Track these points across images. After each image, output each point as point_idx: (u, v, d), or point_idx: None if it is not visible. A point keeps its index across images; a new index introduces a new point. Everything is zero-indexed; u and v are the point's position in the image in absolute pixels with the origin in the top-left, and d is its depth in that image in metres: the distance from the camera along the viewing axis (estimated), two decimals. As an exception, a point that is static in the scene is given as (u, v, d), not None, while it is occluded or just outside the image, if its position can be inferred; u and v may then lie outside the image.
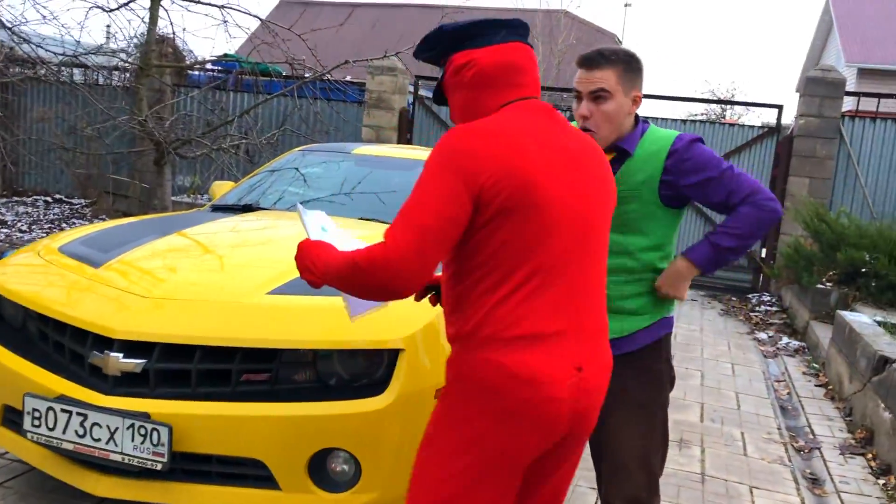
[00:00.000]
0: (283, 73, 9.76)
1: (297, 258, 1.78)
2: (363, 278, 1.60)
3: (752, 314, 8.16)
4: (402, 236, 1.57)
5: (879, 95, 8.39)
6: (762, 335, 7.18)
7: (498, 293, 1.66)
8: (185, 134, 7.44)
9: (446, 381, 1.78)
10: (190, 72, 10.94)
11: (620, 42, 25.20)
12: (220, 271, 2.89)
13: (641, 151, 2.28)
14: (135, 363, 2.50)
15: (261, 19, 8.13)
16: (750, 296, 9.05)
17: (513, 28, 1.80)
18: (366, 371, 2.56)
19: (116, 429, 2.45)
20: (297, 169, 4.52)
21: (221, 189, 4.59)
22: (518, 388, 1.64)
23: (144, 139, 8.42)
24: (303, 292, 2.71)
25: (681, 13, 61.19)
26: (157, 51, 8.44)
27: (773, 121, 9.55)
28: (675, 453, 4.05)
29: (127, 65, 8.94)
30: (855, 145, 8.68)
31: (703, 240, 2.33)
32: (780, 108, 9.18)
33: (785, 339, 6.94)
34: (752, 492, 3.64)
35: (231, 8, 7.74)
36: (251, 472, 2.50)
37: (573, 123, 1.94)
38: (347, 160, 4.50)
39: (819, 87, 8.62)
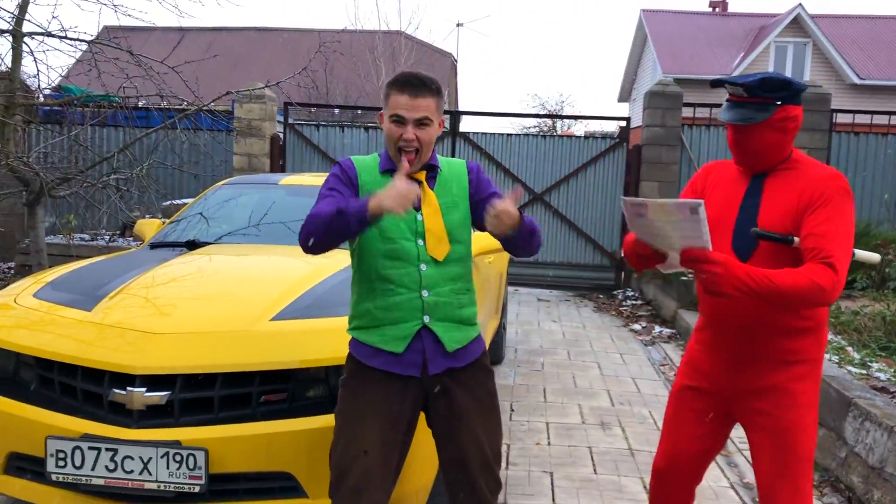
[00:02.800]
0: (118, 103, 9.50)
1: (720, 275, 2.00)
2: (820, 297, 2.05)
3: (621, 308, 8.96)
4: (846, 265, 2.10)
5: (711, 105, 9.47)
6: (636, 326, 7.94)
7: None
8: (62, 172, 7.21)
9: (803, 368, 2.29)
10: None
11: (456, 61, 26.23)
12: (217, 303, 3.05)
13: (444, 167, 2.50)
14: (159, 395, 2.65)
15: (131, 52, 8.03)
16: (615, 292, 9.90)
17: None
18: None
19: (150, 459, 2.58)
20: (199, 210, 4.65)
21: (150, 227, 4.65)
22: None
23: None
24: (300, 316, 2.95)
25: (509, 32, 64.00)
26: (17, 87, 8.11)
27: (597, 129, 10.51)
28: (602, 435, 4.57)
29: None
30: (694, 150, 9.76)
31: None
32: (627, 120, 10.13)
33: (658, 328, 7.73)
34: (674, 458, 4.19)
35: (102, 43, 7.60)
36: (279, 485, 2.71)
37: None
38: (277, 190, 4.69)
39: (660, 99, 9.61)
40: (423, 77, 2.38)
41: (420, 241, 2.38)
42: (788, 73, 22.62)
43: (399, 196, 2.13)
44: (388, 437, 2.34)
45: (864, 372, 4.78)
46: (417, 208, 2.38)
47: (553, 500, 3.62)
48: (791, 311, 2.25)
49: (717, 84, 2.33)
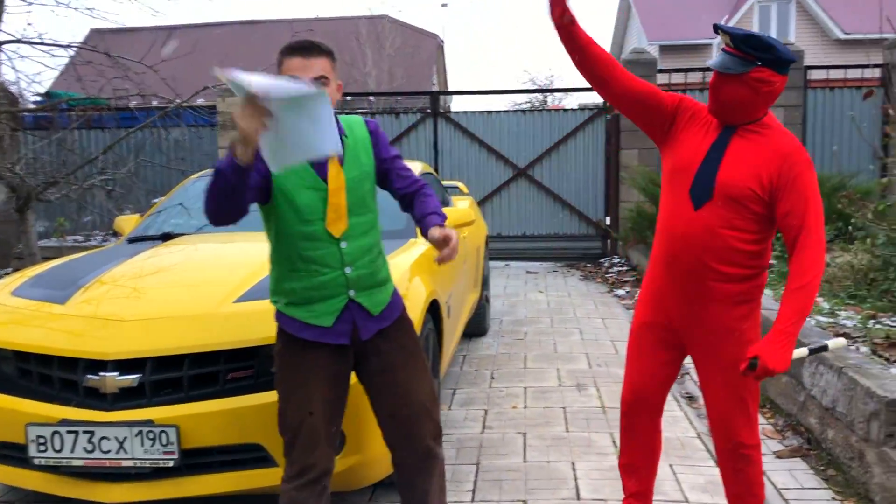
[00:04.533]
0: (104, 105, 9.62)
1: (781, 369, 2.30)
2: (822, 268, 2.34)
3: (607, 276, 9.11)
4: (823, 229, 2.35)
5: (687, 70, 9.56)
6: (620, 292, 8.09)
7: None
8: (49, 176, 7.36)
9: (746, 308, 2.50)
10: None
11: (443, 42, 26.24)
12: (183, 289, 3.21)
13: (347, 131, 2.50)
14: (131, 378, 2.81)
15: (108, 54, 8.15)
16: (602, 260, 10.05)
17: None
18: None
19: (125, 438, 2.75)
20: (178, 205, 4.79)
21: (128, 223, 4.80)
22: None
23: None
24: (263, 297, 3.08)
25: (494, 8, 63.71)
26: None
27: (589, 102, 10.60)
28: (577, 395, 4.73)
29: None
30: (672, 116, 9.86)
31: (432, 214, 2.53)
32: (604, 89, 10.22)
33: (641, 292, 7.88)
34: (644, 413, 4.35)
35: (78, 47, 7.73)
36: (250, 456, 2.87)
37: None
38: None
39: (635, 68, 9.67)
40: (313, 40, 2.42)
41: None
42: (773, 33, 22.59)
43: (243, 118, 2.06)
44: (328, 397, 2.49)
45: (831, 320, 4.92)
46: (340, 156, 2.41)
47: (524, 458, 3.78)
48: (737, 264, 2.44)
49: (717, 30, 2.44)
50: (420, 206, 2.63)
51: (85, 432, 2.77)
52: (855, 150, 9.41)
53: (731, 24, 22.31)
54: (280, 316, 2.54)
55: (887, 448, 3.13)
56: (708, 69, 10.02)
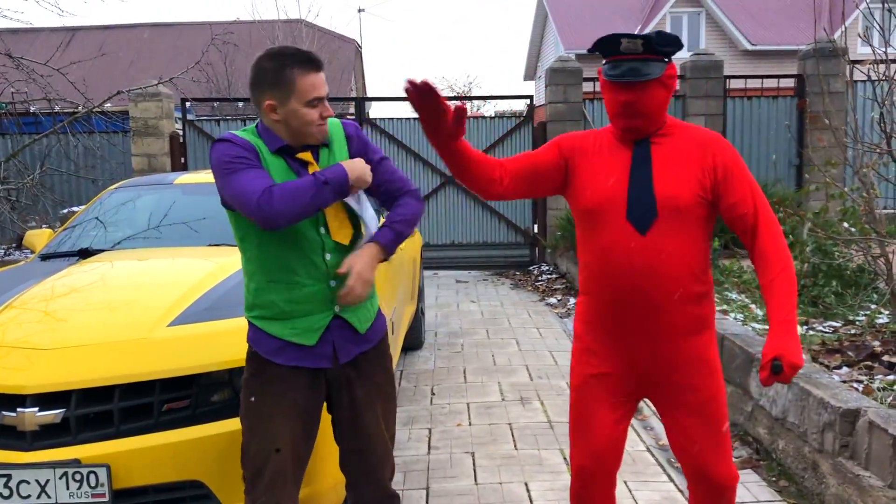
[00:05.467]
0: (7, 109, 9.06)
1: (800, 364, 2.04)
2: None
3: (537, 283, 9.08)
4: (772, 212, 2.19)
5: (611, 79, 9.66)
6: (552, 300, 8.06)
7: None
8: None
9: (708, 334, 2.29)
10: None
11: (361, 47, 25.93)
12: (109, 313, 2.93)
13: (330, 139, 2.38)
14: (53, 414, 2.53)
15: (10, 55, 7.65)
16: (531, 268, 10.03)
17: None
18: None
19: (47, 481, 2.47)
20: (95, 217, 4.47)
21: (40, 238, 4.43)
22: None
23: None
24: (199, 320, 2.86)
25: (412, 13, 63.72)
26: None
27: (506, 109, 10.61)
28: (521, 410, 4.61)
29: None
30: (597, 124, 9.92)
31: (384, 227, 2.40)
32: (531, 98, 10.22)
33: (572, 300, 7.87)
34: (592, 427, 4.27)
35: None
36: (190, 494, 2.62)
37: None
38: (172, 190, 4.53)
39: (561, 76, 9.73)
40: (313, 53, 2.28)
41: (322, 230, 2.32)
42: (685, 42, 23.26)
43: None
44: (297, 432, 2.33)
45: (765, 327, 4.97)
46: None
47: (475, 479, 3.64)
48: (694, 279, 2.22)
49: (607, 43, 2.16)
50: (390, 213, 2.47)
51: (1, 476, 2.47)
52: (771, 158, 9.69)
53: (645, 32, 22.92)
54: (254, 335, 2.36)
55: (843, 459, 3.13)
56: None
